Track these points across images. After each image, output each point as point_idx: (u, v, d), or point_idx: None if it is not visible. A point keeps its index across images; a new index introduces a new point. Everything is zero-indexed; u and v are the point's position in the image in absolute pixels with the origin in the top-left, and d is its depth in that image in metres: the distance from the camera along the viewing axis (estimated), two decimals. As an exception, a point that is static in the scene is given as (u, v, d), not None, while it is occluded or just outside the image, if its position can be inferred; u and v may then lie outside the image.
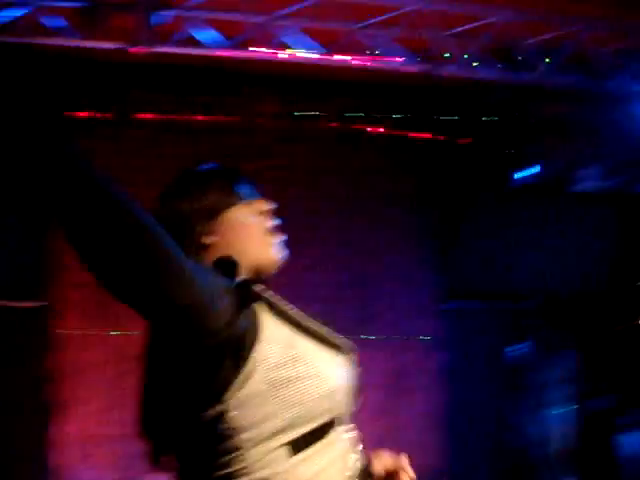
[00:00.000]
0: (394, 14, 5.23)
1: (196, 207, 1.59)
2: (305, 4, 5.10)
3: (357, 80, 5.90)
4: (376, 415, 5.62)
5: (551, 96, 5.91)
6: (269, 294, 1.60)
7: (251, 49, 5.18)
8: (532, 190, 6.43)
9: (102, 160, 1.82)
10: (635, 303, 6.46)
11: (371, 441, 1.68)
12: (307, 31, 5.19)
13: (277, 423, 1.46)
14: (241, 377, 1.44)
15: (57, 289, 5.67)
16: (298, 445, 1.47)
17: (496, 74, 5.56)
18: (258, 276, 1.62)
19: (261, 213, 1.65)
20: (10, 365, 5.54)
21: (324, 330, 1.60)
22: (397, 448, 1.72)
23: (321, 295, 5.73)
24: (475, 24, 5.38)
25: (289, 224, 1.74)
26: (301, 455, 1.47)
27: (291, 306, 1.61)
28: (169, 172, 1.74)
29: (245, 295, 1.49)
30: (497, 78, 5.62)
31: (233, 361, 1.43)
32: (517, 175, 6.46)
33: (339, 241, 6.18)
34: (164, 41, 5.10)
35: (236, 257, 1.56)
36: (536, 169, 6.37)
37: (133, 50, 5.03)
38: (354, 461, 1.57)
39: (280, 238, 1.67)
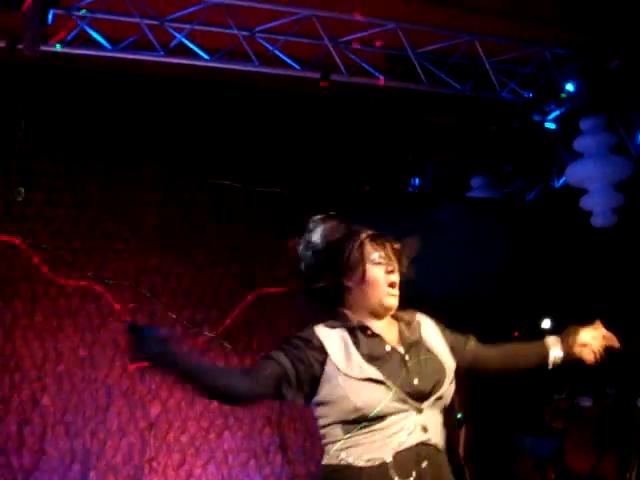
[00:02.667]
0: (285, 21, 5.30)
1: (345, 261, 2.39)
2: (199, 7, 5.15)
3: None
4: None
5: (442, 105, 5.99)
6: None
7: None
8: (428, 195, 6.53)
9: None
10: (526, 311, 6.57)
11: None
12: (196, 36, 5.22)
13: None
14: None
15: None
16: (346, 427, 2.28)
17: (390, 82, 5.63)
18: (374, 316, 2.38)
19: (387, 272, 2.37)
20: None
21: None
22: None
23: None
24: (368, 32, 5.46)
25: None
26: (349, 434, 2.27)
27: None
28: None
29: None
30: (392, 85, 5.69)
31: None
32: (414, 180, 6.56)
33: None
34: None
35: (362, 300, 2.37)
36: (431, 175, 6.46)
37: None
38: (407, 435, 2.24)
39: (395, 291, 2.36)
